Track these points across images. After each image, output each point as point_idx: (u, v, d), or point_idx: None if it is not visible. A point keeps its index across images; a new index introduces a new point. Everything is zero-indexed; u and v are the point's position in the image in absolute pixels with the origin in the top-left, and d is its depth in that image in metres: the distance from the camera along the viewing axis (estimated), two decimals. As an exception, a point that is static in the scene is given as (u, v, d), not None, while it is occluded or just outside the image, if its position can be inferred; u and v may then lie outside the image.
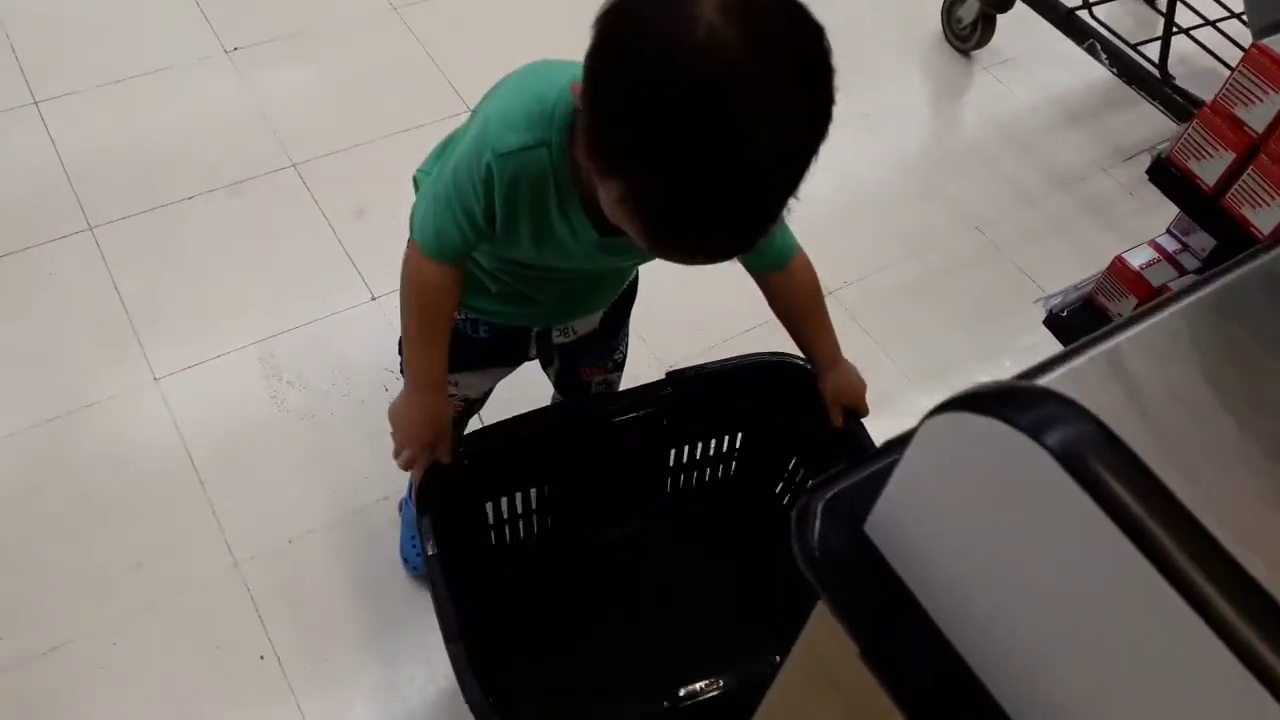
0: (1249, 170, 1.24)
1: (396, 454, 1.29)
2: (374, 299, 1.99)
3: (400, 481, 1.74)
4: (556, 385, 1.56)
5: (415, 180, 1.27)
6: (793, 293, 1.32)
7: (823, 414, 1.41)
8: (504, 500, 1.45)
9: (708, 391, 1.45)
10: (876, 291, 2.19)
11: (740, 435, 1.57)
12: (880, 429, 1.95)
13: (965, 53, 2.77)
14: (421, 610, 1.60)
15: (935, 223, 2.36)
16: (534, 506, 1.50)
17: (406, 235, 1.18)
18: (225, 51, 2.37)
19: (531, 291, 1.26)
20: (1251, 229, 1.26)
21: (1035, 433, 0.41)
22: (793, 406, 1.47)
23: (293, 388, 1.87)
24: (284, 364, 1.89)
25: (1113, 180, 2.55)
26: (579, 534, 1.56)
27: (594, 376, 1.51)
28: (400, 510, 1.73)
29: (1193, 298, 0.60)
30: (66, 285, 1.94)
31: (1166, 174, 1.33)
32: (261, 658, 1.57)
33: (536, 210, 1.05)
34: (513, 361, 1.44)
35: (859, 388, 1.40)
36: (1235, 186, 1.26)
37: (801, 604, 0.63)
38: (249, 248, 2.05)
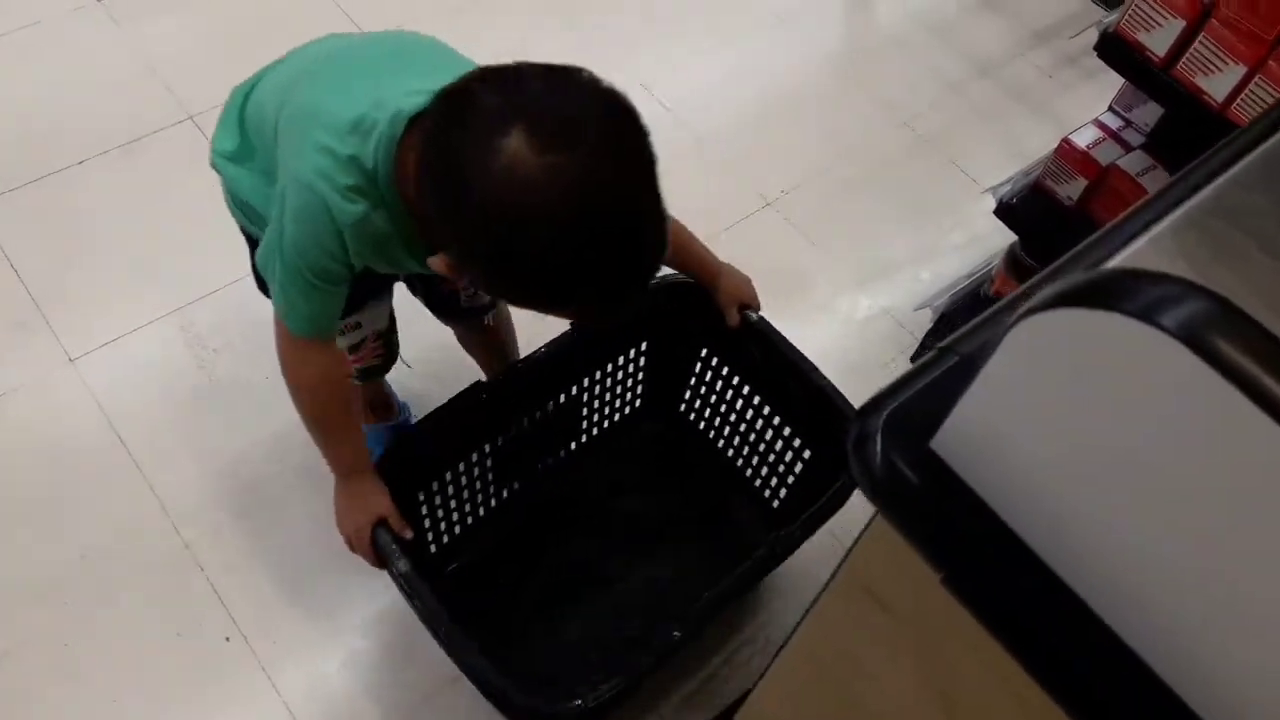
0: (1200, 37, 1.22)
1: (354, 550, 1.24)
2: (296, 252, 1.88)
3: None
4: (428, 305, 1.49)
5: (229, 195, 1.24)
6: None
7: (715, 321, 1.46)
8: (443, 489, 1.42)
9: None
10: (812, 196, 2.15)
11: (644, 359, 1.59)
12: (829, 334, 1.95)
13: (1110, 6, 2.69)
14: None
15: (864, 121, 2.32)
16: (475, 485, 1.48)
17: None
18: (98, 0, 2.18)
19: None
20: (1204, 97, 1.25)
21: (1149, 316, 0.37)
22: (689, 321, 1.50)
23: (219, 355, 1.76)
24: (206, 330, 1.78)
25: (1031, 65, 2.53)
26: (517, 501, 1.56)
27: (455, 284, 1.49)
28: None
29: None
30: (-44, 268, 1.79)
31: (1115, 47, 1.30)
32: (227, 639, 1.50)
33: (389, 258, 1.06)
34: (393, 279, 1.38)
35: (748, 286, 1.45)
36: (1186, 55, 1.24)
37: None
38: (152, 210, 1.91)
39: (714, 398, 1.61)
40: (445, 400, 1.37)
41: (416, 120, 0.94)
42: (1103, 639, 0.46)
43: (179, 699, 1.45)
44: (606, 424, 1.63)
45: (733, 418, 1.60)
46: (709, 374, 1.59)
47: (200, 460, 1.64)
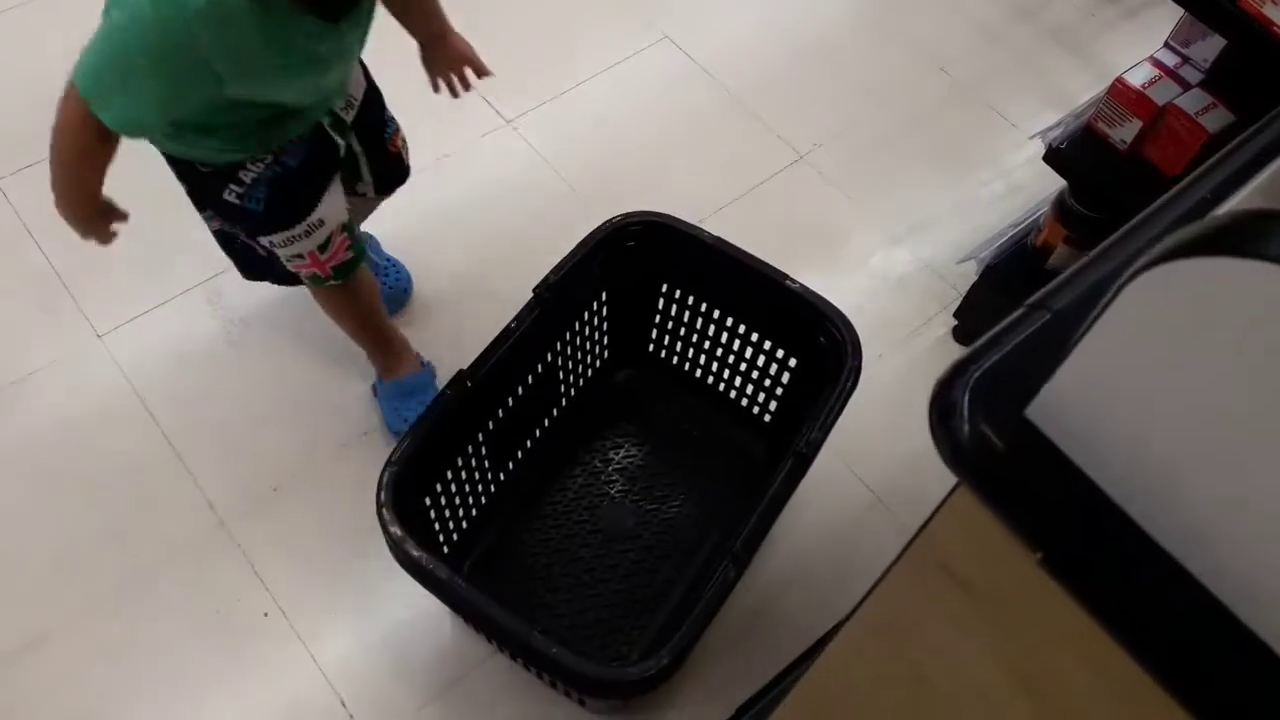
0: (1270, -36, 1.14)
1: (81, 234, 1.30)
2: (321, 220, 1.84)
3: (377, 411, 1.64)
4: (374, 174, 1.47)
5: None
6: None
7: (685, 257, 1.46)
8: (445, 490, 1.41)
9: (575, 282, 1.44)
10: (848, 149, 2.09)
11: (607, 309, 1.57)
12: (867, 290, 1.89)
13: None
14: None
15: (898, 69, 2.24)
16: (475, 476, 1.47)
17: None
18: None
19: (294, 97, 1.21)
20: (1275, 28, 1.17)
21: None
22: (644, 259, 1.49)
23: (249, 327, 1.73)
24: (234, 302, 1.75)
25: (1071, 4, 2.44)
26: (515, 482, 1.55)
27: (397, 142, 1.49)
28: (375, 395, 1.65)
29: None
30: (-20, 247, 1.77)
31: (1176, -21, 1.23)
32: (265, 614, 1.48)
33: (266, 41, 1.04)
34: (339, 164, 1.36)
35: (468, 48, 1.42)
36: (1255, -16, 1.17)
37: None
38: (175, 183, 1.87)
39: (683, 330, 1.60)
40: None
41: None
42: (1227, 627, 0.41)
43: (219, 676, 1.43)
44: (581, 381, 1.62)
45: (706, 345, 1.59)
46: (674, 307, 1.57)
47: (232, 434, 1.62)
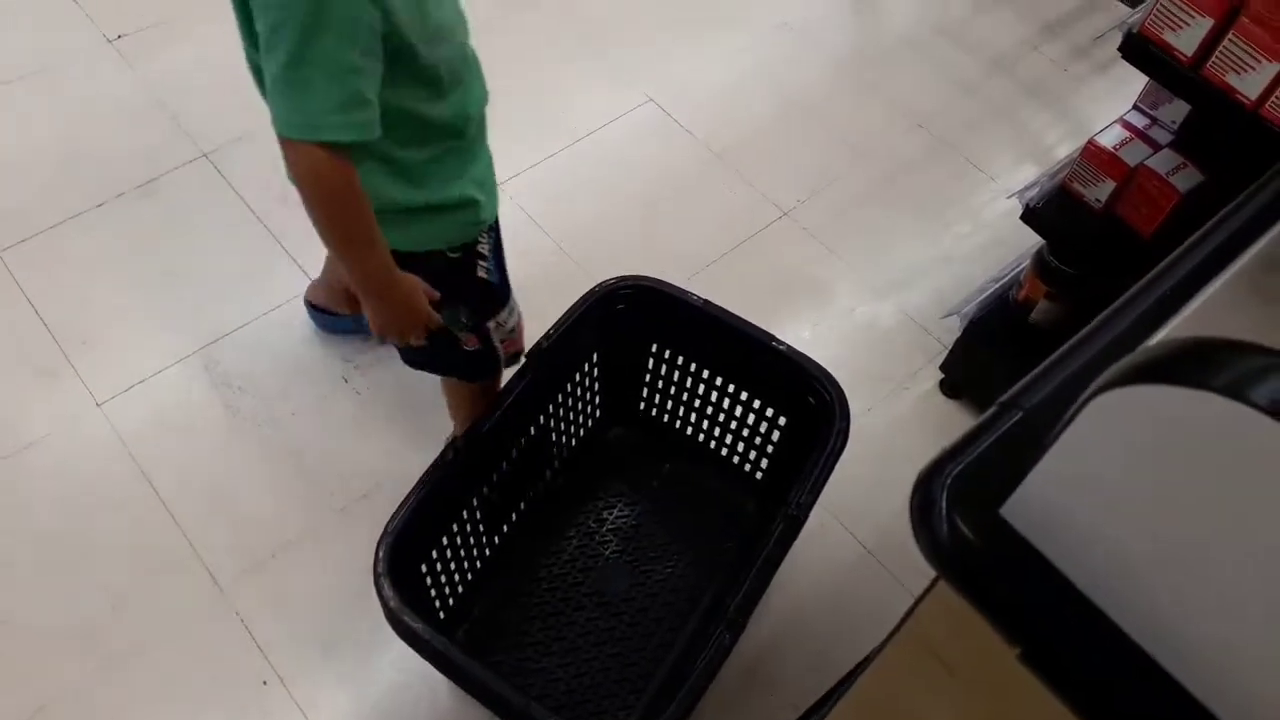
0: (1229, 36, 1.19)
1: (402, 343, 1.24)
2: (315, 286, 1.87)
3: (374, 474, 1.66)
4: None
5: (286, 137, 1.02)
6: None
7: (674, 319, 1.49)
8: (441, 556, 1.41)
9: (567, 346, 1.45)
10: (831, 205, 2.13)
11: (598, 369, 1.60)
12: (853, 343, 1.92)
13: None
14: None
15: (877, 125, 2.30)
16: (469, 542, 1.48)
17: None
18: (108, 41, 2.18)
19: (457, 109, 1.14)
20: (1236, 95, 1.22)
21: (1240, 393, 0.35)
22: (634, 320, 1.52)
23: (245, 393, 1.75)
24: (231, 369, 1.77)
25: (1044, 58, 2.50)
26: (509, 545, 1.56)
27: None
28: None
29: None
30: (-19, 319, 1.79)
31: (1139, 48, 1.28)
32: (264, 683, 1.49)
33: None
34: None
35: None
36: (1216, 54, 1.21)
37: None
38: (172, 249, 1.90)
39: (674, 389, 1.62)
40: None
41: None
42: (1195, 716, 0.44)
43: (219, 746, 1.44)
44: (574, 442, 1.64)
45: (697, 404, 1.61)
46: (664, 368, 1.60)
47: (230, 500, 1.64)
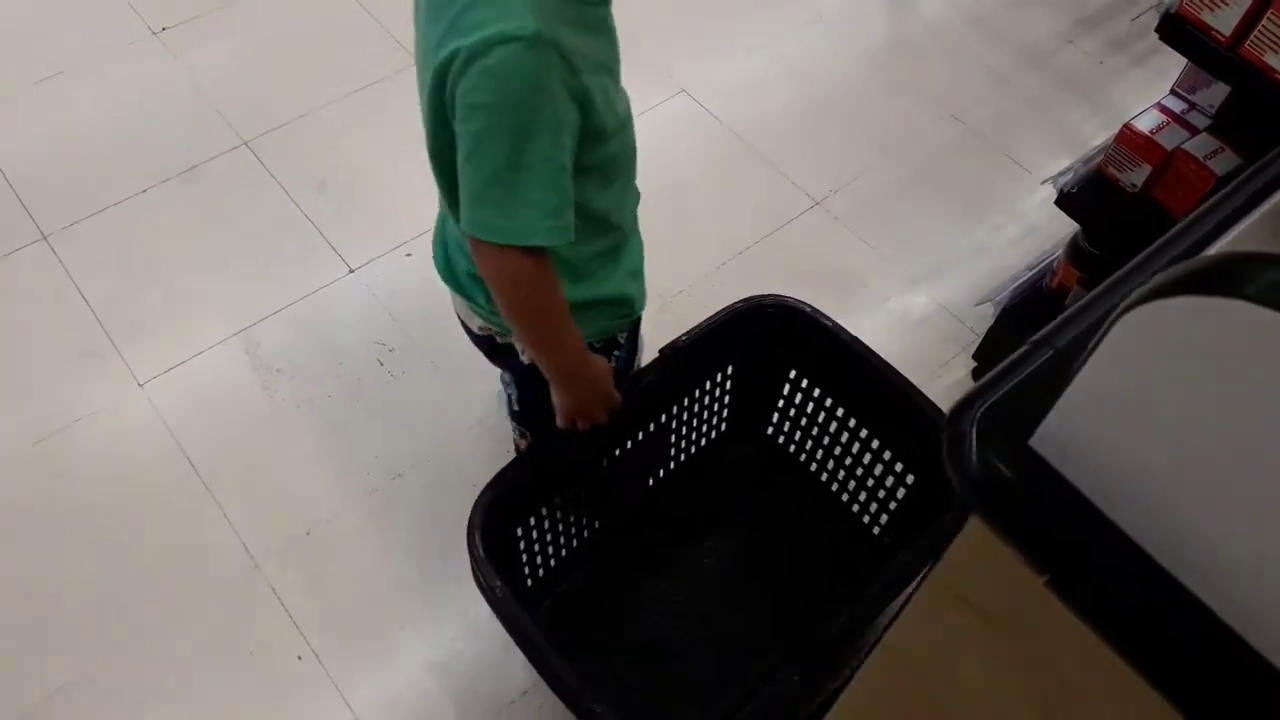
0: (1269, 15, 1.18)
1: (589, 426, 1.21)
2: (352, 271, 1.90)
3: (408, 455, 1.68)
4: None
5: (473, 233, 0.98)
6: None
7: (815, 348, 1.41)
8: (539, 524, 1.38)
9: (700, 353, 1.41)
10: (864, 195, 2.13)
11: (730, 382, 1.54)
12: (887, 333, 1.92)
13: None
14: (453, 583, 1.54)
15: (910, 117, 2.30)
16: (570, 518, 1.45)
17: (456, 229, 1.02)
18: (154, 33, 2.23)
19: (619, 200, 1.13)
20: (1276, 75, 1.21)
21: (1273, 300, 0.36)
22: (778, 343, 1.47)
23: (283, 375, 1.78)
24: (270, 351, 1.80)
25: (1079, 51, 2.49)
26: (608, 533, 1.53)
27: None
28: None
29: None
30: (30, 300, 1.83)
31: (1177, 29, 1.27)
32: (299, 657, 1.51)
33: (582, 36, 0.92)
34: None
35: None
36: (1255, 33, 1.21)
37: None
38: (214, 235, 1.94)
39: (804, 420, 1.56)
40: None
41: None
42: (1227, 642, 0.44)
43: (253, 718, 1.46)
44: (694, 449, 1.59)
45: (825, 440, 1.54)
46: (798, 396, 1.54)
47: (267, 480, 1.67)
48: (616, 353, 1.26)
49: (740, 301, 1.44)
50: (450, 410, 1.75)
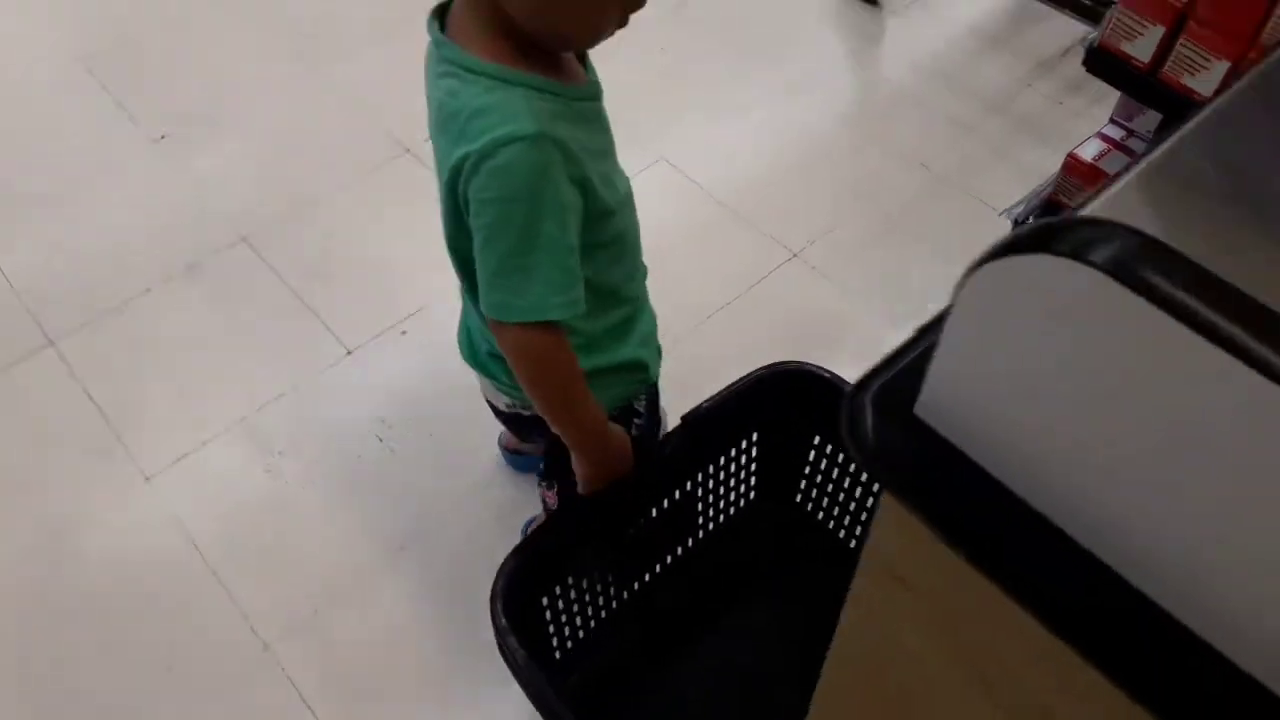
0: (1181, 40, 1.26)
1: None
2: (349, 353, 1.98)
3: (409, 528, 1.73)
4: None
5: (490, 311, 1.06)
6: None
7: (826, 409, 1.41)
8: (565, 593, 1.40)
9: (723, 419, 1.44)
10: (839, 244, 2.21)
11: (756, 448, 1.56)
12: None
13: (873, 1, 2.80)
14: (466, 660, 1.58)
15: (880, 167, 2.39)
16: (596, 588, 1.45)
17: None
18: (153, 141, 2.35)
19: (628, 274, 1.22)
20: (1195, 96, 1.28)
21: (1080, 254, 0.41)
22: (801, 410, 1.48)
23: (285, 457, 1.84)
24: (273, 435, 1.87)
25: (1039, 94, 2.58)
26: (637, 605, 1.53)
27: None
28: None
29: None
30: (39, 403, 1.90)
31: (1101, 60, 1.35)
32: (313, 734, 1.54)
33: (578, 129, 1.02)
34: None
35: None
36: (1170, 59, 1.28)
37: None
38: (215, 328, 2.02)
39: (830, 487, 1.57)
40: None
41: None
42: (1117, 588, 0.48)
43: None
44: (722, 517, 1.61)
45: (852, 506, 1.55)
46: (824, 462, 1.56)
47: (277, 566, 1.71)
48: (636, 420, 1.32)
49: (761, 368, 1.47)
50: (450, 479, 1.80)
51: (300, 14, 2.68)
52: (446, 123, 1.00)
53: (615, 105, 1.14)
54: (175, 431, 1.86)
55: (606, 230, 1.10)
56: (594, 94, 1.08)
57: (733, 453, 1.53)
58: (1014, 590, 0.50)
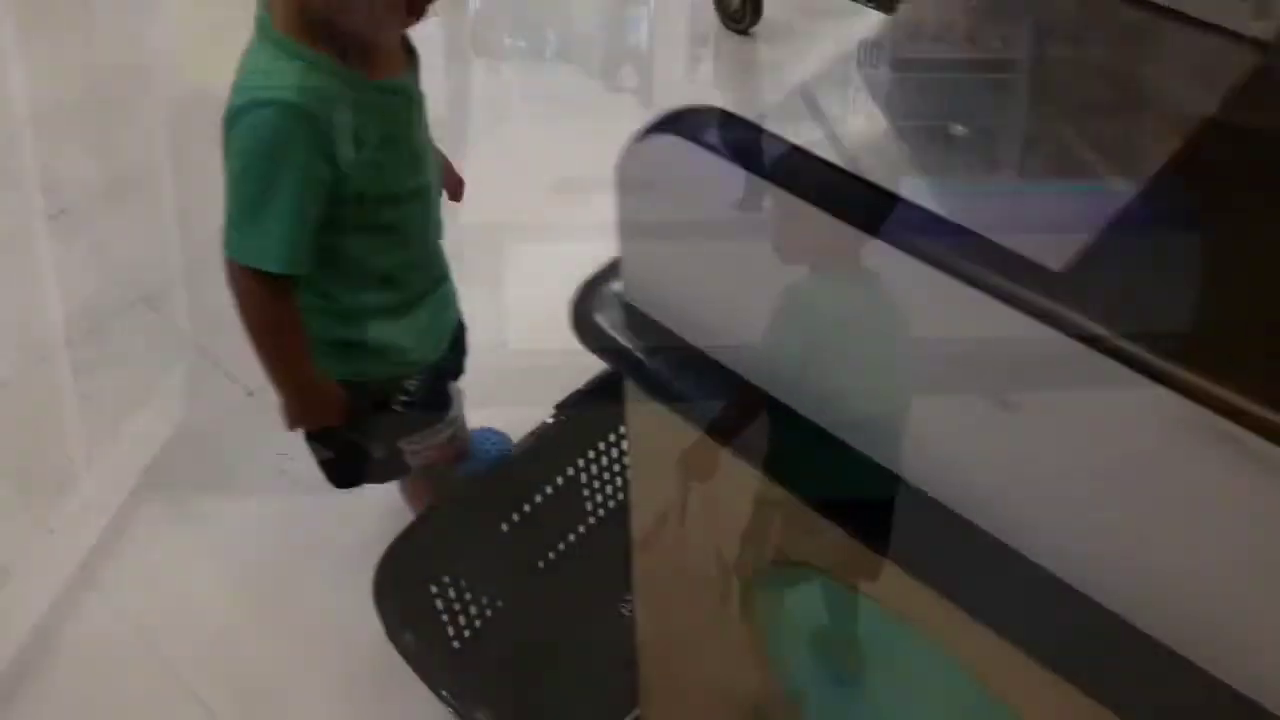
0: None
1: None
2: (250, 394, 2.00)
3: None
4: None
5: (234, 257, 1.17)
6: None
7: None
8: (455, 583, 1.43)
9: (594, 408, 1.49)
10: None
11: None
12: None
13: (744, 32, 2.93)
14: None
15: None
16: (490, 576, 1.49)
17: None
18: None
19: (407, 264, 1.28)
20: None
21: (692, 137, 0.51)
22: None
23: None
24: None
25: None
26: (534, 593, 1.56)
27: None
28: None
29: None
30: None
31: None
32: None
33: (360, 115, 1.12)
34: (456, 371, 1.47)
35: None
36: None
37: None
38: (117, 388, 2.06)
39: None
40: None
41: None
42: (815, 432, 0.57)
43: None
44: (611, 503, 1.63)
45: None
46: None
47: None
48: (403, 396, 1.37)
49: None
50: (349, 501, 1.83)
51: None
52: (236, 74, 1.13)
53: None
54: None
55: (381, 215, 1.21)
56: (396, 90, 1.19)
57: (611, 438, 1.58)
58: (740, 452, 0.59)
